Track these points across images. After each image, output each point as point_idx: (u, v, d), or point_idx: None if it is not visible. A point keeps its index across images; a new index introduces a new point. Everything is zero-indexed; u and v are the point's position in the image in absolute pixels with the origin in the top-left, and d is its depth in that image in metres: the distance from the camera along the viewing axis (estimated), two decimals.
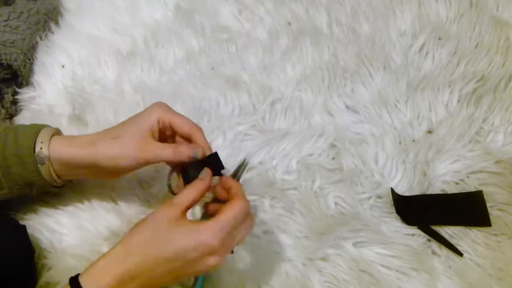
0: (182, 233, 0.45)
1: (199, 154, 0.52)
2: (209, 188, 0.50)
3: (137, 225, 0.46)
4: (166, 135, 0.56)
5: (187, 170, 0.52)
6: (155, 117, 0.53)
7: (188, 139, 0.55)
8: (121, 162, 0.51)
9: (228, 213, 0.46)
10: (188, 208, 0.47)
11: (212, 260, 0.45)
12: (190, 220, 0.47)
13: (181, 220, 0.46)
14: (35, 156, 0.51)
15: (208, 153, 0.53)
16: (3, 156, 0.51)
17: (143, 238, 0.44)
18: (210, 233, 0.44)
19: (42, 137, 0.52)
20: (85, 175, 0.56)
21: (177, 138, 0.56)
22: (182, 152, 0.51)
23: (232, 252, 0.48)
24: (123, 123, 0.54)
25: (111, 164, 0.51)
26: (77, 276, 0.44)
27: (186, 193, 0.48)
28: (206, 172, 0.51)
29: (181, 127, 0.54)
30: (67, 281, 0.43)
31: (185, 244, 0.44)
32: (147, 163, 0.52)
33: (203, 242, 0.44)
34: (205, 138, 0.54)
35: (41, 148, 0.51)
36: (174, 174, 0.54)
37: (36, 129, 0.53)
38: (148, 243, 0.44)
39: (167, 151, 0.51)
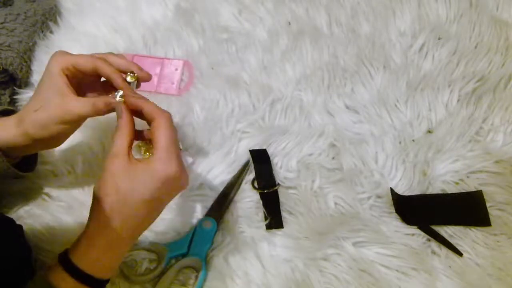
0: (143, 176, 0.46)
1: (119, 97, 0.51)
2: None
3: (100, 189, 0.47)
4: (88, 81, 0.55)
5: None
6: (57, 70, 0.51)
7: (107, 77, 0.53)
8: (52, 129, 0.52)
9: (163, 134, 0.47)
10: (130, 148, 0.48)
11: (182, 182, 0.49)
12: (139, 160, 0.48)
13: (133, 164, 0.47)
14: None
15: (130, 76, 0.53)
16: None
17: (113, 199, 0.46)
18: (164, 164, 0.46)
19: None
20: (28, 151, 0.56)
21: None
22: (97, 104, 0.51)
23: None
24: (39, 88, 0.53)
25: (44, 133, 0.52)
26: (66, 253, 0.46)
27: (119, 138, 0.48)
28: (120, 110, 0.51)
29: (85, 66, 0.51)
30: None
31: (153, 187, 0.46)
32: (78, 122, 0.54)
33: (166, 175, 0.46)
34: (112, 67, 0.52)
35: None
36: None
37: None
38: (118, 202, 0.46)
39: (86, 108, 0.51)
